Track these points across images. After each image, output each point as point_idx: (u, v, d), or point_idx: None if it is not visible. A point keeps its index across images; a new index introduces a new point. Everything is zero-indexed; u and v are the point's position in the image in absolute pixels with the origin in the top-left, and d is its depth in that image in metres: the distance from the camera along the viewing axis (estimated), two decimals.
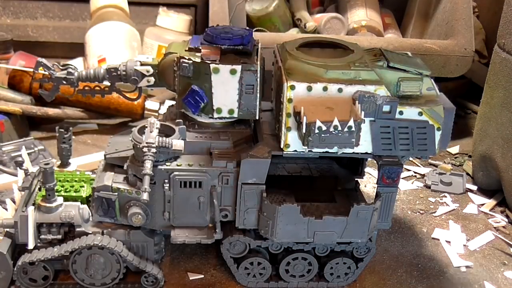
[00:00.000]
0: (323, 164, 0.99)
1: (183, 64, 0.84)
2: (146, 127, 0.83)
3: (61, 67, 0.91)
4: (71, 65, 0.91)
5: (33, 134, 1.36)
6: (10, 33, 1.75)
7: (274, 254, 0.92)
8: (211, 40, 0.87)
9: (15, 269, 0.85)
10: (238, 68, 0.84)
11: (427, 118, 0.84)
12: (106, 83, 0.92)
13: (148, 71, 0.89)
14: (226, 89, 0.86)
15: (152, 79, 0.90)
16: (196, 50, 0.86)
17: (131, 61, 0.90)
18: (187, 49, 0.87)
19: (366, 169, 1.26)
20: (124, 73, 0.89)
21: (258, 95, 0.86)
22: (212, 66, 0.84)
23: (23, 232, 0.84)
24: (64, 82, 0.90)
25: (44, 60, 0.90)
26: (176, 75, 0.86)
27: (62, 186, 0.88)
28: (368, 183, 1.28)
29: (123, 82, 0.90)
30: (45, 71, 0.90)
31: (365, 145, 0.84)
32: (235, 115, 0.88)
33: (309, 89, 0.81)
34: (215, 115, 0.87)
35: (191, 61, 0.84)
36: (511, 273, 1.02)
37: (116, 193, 0.85)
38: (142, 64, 0.90)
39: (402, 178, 1.30)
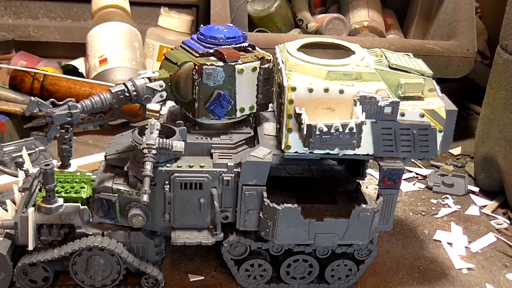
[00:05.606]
0: (324, 165, 0.99)
1: (207, 71, 0.83)
2: (147, 128, 0.83)
3: (58, 103, 0.80)
4: (70, 99, 0.81)
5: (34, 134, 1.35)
6: (11, 33, 1.75)
7: (275, 256, 0.92)
8: (217, 42, 0.87)
9: (15, 270, 0.85)
10: (258, 64, 0.86)
11: (429, 120, 0.83)
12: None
13: (161, 86, 0.84)
14: (248, 87, 0.87)
15: (164, 94, 0.85)
16: (208, 54, 0.86)
17: (138, 79, 0.83)
18: (197, 55, 0.86)
19: (368, 171, 1.26)
20: (135, 93, 0.83)
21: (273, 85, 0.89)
22: (237, 67, 0.84)
23: (23, 233, 0.84)
24: (69, 119, 0.81)
25: (38, 99, 0.79)
26: (197, 83, 0.85)
27: (63, 187, 0.88)
28: (370, 184, 1.28)
29: (134, 103, 0.84)
30: (40, 111, 0.79)
31: (366, 146, 0.83)
32: (255, 110, 0.90)
33: (310, 90, 0.80)
34: (238, 114, 0.89)
35: (214, 66, 0.83)
36: None
37: (117, 194, 0.85)
38: (151, 80, 0.84)
39: (403, 180, 1.29)
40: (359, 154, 0.84)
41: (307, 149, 0.81)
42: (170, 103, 0.94)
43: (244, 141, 0.89)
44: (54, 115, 0.80)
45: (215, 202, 0.85)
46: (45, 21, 1.86)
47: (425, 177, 1.33)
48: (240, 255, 0.91)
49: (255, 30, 1.59)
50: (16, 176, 1.01)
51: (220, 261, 0.97)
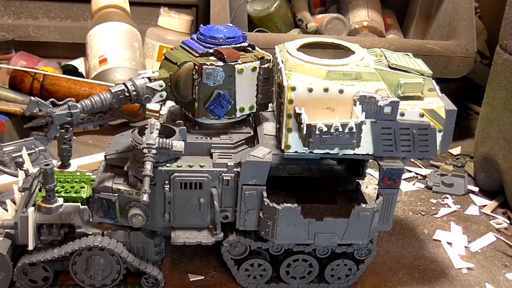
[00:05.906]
0: (324, 165, 0.99)
1: (207, 71, 0.83)
2: (147, 128, 0.83)
3: (58, 103, 0.80)
4: (70, 99, 0.81)
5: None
6: (11, 33, 1.75)
7: (275, 255, 0.92)
8: (216, 42, 0.87)
9: (15, 270, 0.85)
10: (258, 64, 0.86)
11: (429, 120, 0.83)
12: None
13: (161, 86, 0.84)
14: (247, 87, 0.87)
15: (164, 94, 0.85)
16: (208, 54, 0.86)
17: (137, 79, 0.83)
18: (197, 55, 0.86)
19: (368, 170, 1.26)
20: (135, 93, 0.83)
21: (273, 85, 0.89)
22: (237, 67, 0.84)
23: (23, 233, 0.84)
24: (68, 119, 0.81)
25: (38, 99, 0.79)
26: (196, 83, 0.85)
27: (62, 187, 0.88)
28: (369, 184, 1.28)
29: (134, 103, 0.84)
30: (40, 110, 0.80)
31: (366, 146, 0.83)
32: (254, 110, 0.90)
33: (310, 90, 0.80)
34: (238, 114, 0.89)
35: (214, 66, 0.83)
36: None
37: (117, 194, 0.85)
38: (151, 80, 0.84)
39: (403, 179, 1.29)
40: (359, 154, 0.84)
41: (307, 148, 0.81)
42: (170, 103, 0.94)
43: (244, 141, 0.89)
44: (54, 115, 0.80)
45: (215, 201, 0.85)
46: (45, 21, 1.85)
47: (424, 177, 1.33)
48: (240, 254, 0.91)
49: (255, 30, 1.59)
50: (16, 176, 1.01)
51: (220, 261, 0.97)
